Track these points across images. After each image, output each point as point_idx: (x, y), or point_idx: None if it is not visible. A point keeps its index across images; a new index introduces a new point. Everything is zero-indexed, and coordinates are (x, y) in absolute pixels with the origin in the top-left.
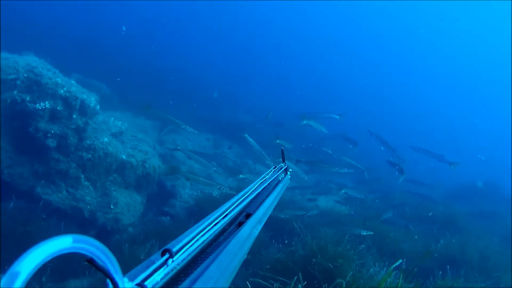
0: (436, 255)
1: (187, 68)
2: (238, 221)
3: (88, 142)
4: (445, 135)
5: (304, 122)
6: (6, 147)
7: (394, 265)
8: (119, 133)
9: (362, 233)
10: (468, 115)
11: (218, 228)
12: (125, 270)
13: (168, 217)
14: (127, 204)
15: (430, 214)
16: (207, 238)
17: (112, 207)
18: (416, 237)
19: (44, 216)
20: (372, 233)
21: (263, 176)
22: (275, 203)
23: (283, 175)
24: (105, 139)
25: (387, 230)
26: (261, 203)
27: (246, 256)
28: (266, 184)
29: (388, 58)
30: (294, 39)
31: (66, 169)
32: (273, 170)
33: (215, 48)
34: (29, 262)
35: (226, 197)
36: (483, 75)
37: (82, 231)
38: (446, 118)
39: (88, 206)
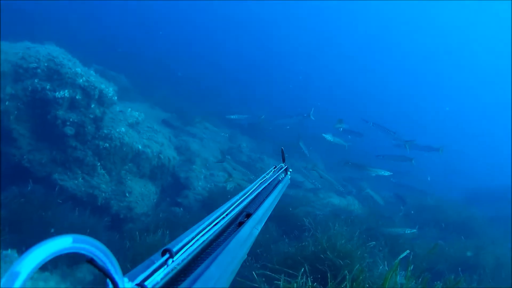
0: (448, 258)
1: (205, 65)
2: (238, 221)
3: (105, 131)
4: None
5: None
6: (26, 134)
7: (400, 256)
8: (135, 124)
9: (406, 232)
10: (470, 116)
11: (218, 228)
12: (136, 257)
13: (181, 208)
14: (141, 194)
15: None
16: (207, 238)
17: (127, 195)
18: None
19: (60, 201)
20: (415, 230)
21: (263, 176)
22: (275, 203)
23: (283, 175)
24: (122, 129)
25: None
26: (261, 203)
27: (246, 256)
28: (266, 184)
29: (390, 58)
30: (315, 38)
31: (82, 157)
32: (273, 170)
33: (233, 46)
34: (29, 262)
35: (241, 190)
36: (483, 76)
37: (96, 218)
38: (450, 119)
39: (103, 194)
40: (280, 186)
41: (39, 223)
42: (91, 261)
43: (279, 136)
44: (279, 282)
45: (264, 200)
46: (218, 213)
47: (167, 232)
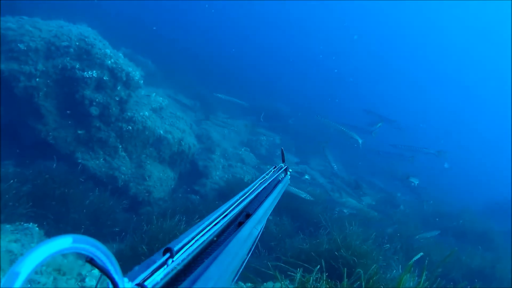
0: (463, 266)
1: (229, 54)
2: (238, 221)
3: (129, 114)
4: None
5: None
6: (53, 111)
7: (414, 258)
8: (159, 109)
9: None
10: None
11: (218, 228)
12: (151, 241)
13: (197, 196)
14: (160, 179)
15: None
16: (207, 238)
17: (146, 179)
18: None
19: (82, 180)
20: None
21: (263, 176)
22: (275, 203)
23: (283, 175)
24: (146, 113)
25: (417, 233)
26: (261, 203)
27: (246, 257)
28: (266, 184)
29: (390, 58)
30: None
31: (105, 138)
32: (273, 170)
33: (258, 37)
34: (30, 263)
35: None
36: (483, 75)
37: (114, 199)
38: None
39: (123, 176)
40: (280, 186)
41: (61, 199)
42: (91, 261)
43: (301, 132)
44: (294, 274)
45: (264, 200)
46: (218, 213)
47: (184, 218)
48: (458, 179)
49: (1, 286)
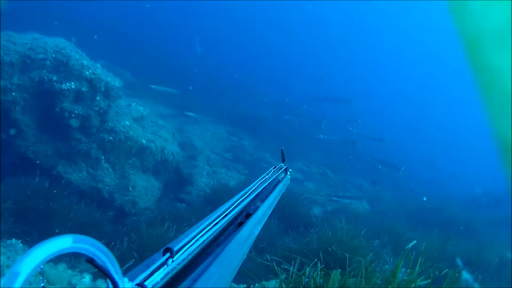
0: (450, 256)
1: (208, 62)
2: (238, 221)
3: (110, 124)
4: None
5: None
6: (32, 125)
7: (410, 245)
8: (140, 118)
9: None
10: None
11: (218, 228)
12: (143, 248)
13: (183, 204)
14: (145, 188)
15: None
16: (207, 238)
17: (130, 189)
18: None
19: (66, 194)
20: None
21: (263, 176)
22: (275, 203)
23: (283, 175)
24: (127, 122)
25: (403, 229)
26: (261, 203)
27: (246, 256)
28: (266, 184)
29: (390, 58)
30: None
31: (87, 149)
32: (273, 170)
33: (236, 43)
34: (29, 263)
35: (243, 187)
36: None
37: (100, 211)
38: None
39: (107, 187)
40: (280, 186)
41: (44, 214)
42: (91, 261)
43: (282, 134)
44: (287, 270)
45: (264, 200)
46: (218, 213)
47: (173, 227)
48: (438, 174)
49: (2, 286)
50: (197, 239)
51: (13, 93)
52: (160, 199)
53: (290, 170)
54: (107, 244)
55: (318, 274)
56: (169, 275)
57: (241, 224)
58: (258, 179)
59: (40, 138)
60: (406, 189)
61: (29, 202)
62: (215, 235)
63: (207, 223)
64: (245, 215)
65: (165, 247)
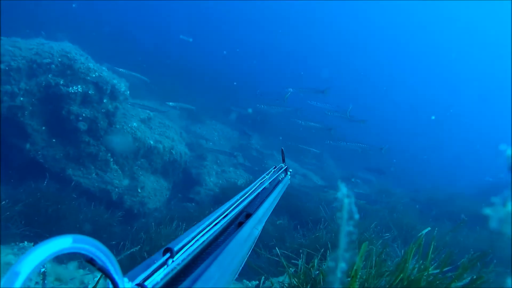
0: (463, 247)
1: (212, 63)
2: (238, 221)
3: (117, 126)
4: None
5: None
6: (40, 129)
7: (424, 232)
8: (147, 119)
9: None
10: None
11: (218, 228)
12: (152, 247)
13: (193, 204)
14: (154, 189)
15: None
16: (207, 238)
17: (139, 191)
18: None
19: (75, 196)
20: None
21: (263, 176)
22: (275, 203)
23: (283, 175)
24: (134, 124)
25: (413, 222)
26: (261, 203)
27: (246, 257)
28: (266, 184)
29: (389, 58)
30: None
31: (95, 152)
32: (273, 170)
33: (238, 45)
34: (29, 263)
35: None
36: (483, 76)
37: (109, 213)
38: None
39: (116, 189)
40: (280, 186)
41: (54, 217)
42: (91, 261)
43: (289, 133)
44: (297, 262)
45: (264, 200)
46: (218, 213)
47: (182, 226)
48: (448, 167)
49: (2, 286)
50: (197, 239)
51: (21, 98)
52: (169, 199)
53: (290, 170)
54: (116, 245)
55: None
56: (169, 275)
57: (241, 224)
58: (258, 179)
59: (48, 142)
60: (415, 182)
61: (39, 205)
62: (215, 235)
63: (207, 223)
64: (245, 215)
65: (165, 247)
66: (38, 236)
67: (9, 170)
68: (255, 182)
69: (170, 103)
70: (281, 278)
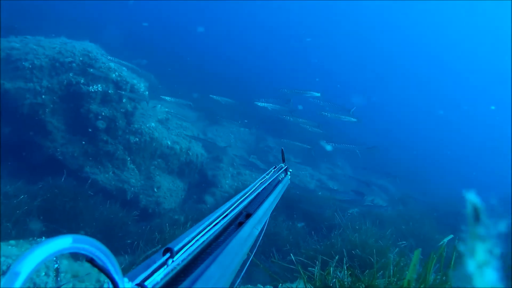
0: None
1: (232, 66)
2: (238, 221)
3: (135, 126)
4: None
5: None
6: (60, 127)
7: (445, 239)
8: (165, 120)
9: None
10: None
11: (218, 228)
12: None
13: (208, 205)
14: (170, 190)
15: None
16: (207, 238)
17: (155, 190)
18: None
19: (92, 194)
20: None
21: (263, 176)
22: (275, 203)
23: (283, 175)
24: (152, 124)
25: (432, 231)
26: (261, 203)
27: (246, 257)
28: (266, 184)
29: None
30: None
31: (113, 151)
32: (273, 170)
33: (255, 47)
34: (29, 262)
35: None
36: (483, 76)
37: (125, 211)
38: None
39: (132, 188)
40: (280, 186)
41: (71, 213)
42: (91, 261)
43: (305, 137)
44: (313, 269)
45: (264, 200)
46: (218, 213)
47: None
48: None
49: (2, 286)
50: (197, 239)
51: (43, 96)
52: (184, 200)
53: (290, 170)
54: (131, 244)
55: (345, 274)
56: (169, 275)
57: (241, 224)
58: (258, 180)
59: (68, 140)
60: (434, 191)
61: (57, 201)
62: (215, 235)
63: (207, 223)
64: (245, 215)
65: (165, 247)
66: (57, 232)
67: (29, 166)
68: (255, 182)
69: (214, 96)
70: (295, 284)
